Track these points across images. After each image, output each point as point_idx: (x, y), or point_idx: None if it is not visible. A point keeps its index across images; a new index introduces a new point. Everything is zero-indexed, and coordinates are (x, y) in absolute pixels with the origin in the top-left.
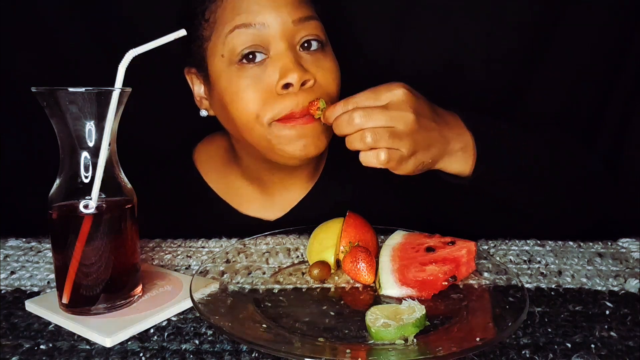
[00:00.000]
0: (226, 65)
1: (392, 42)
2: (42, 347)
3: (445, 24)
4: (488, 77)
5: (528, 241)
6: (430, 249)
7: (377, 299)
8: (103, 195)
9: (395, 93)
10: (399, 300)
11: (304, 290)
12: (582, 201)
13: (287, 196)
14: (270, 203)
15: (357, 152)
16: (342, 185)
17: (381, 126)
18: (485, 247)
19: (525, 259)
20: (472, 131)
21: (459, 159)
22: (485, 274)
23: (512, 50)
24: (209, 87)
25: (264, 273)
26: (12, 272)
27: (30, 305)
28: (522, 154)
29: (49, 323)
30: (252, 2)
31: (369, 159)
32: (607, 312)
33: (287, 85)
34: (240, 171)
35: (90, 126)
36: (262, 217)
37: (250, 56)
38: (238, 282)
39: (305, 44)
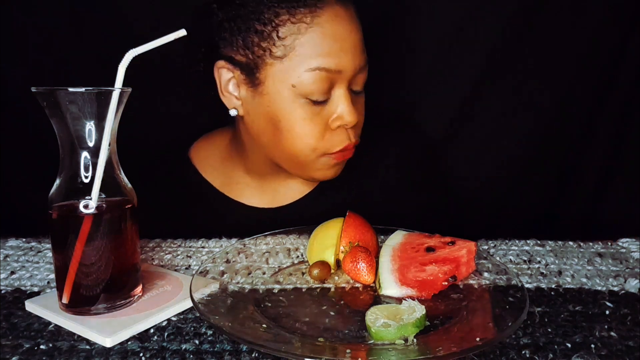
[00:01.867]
0: (293, 96)
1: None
2: (42, 347)
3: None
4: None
5: (528, 241)
6: (430, 249)
7: (377, 299)
8: (103, 195)
9: None
10: (399, 300)
11: (304, 290)
12: None
13: (289, 192)
14: (271, 197)
15: (360, 155)
16: (344, 186)
17: None
18: (485, 247)
19: (525, 259)
20: None
21: None
22: (485, 274)
23: (508, 50)
24: (252, 93)
25: (264, 273)
26: (12, 272)
27: (30, 305)
28: None
29: (49, 323)
30: (337, 47)
31: None
32: (607, 312)
33: (341, 126)
34: (243, 167)
35: (90, 126)
36: (263, 206)
37: (321, 99)
38: (238, 282)
39: (355, 88)
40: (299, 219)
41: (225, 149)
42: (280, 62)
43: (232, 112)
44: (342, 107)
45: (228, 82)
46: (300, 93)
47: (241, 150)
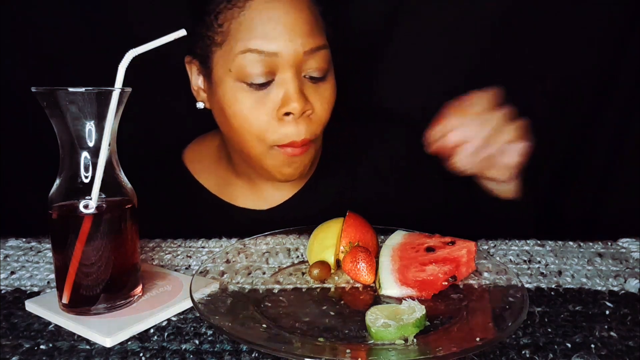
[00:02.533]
0: (232, 80)
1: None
2: (42, 347)
3: (435, 37)
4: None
5: (528, 241)
6: (430, 249)
7: (377, 299)
8: (103, 195)
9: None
10: (399, 300)
11: (304, 290)
12: None
13: (278, 192)
14: (262, 198)
15: (350, 150)
16: (334, 182)
17: None
18: (485, 247)
19: (525, 259)
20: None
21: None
22: (485, 274)
23: (505, 54)
24: (209, 85)
25: (264, 273)
26: (12, 272)
27: (30, 305)
28: None
29: (49, 323)
30: (270, 28)
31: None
32: (607, 312)
33: (287, 114)
34: (232, 168)
35: (90, 126)
36: (255, 208)
37: (257, 81)
38: (238, 282)
39: (311, 74)
40: (293, 219)
41: (216, 151)
42: (220, 48)
43: (199, 105)
44: (285, 92)
45: (192, 74)
46: (238, 77)
47: (227, 151)
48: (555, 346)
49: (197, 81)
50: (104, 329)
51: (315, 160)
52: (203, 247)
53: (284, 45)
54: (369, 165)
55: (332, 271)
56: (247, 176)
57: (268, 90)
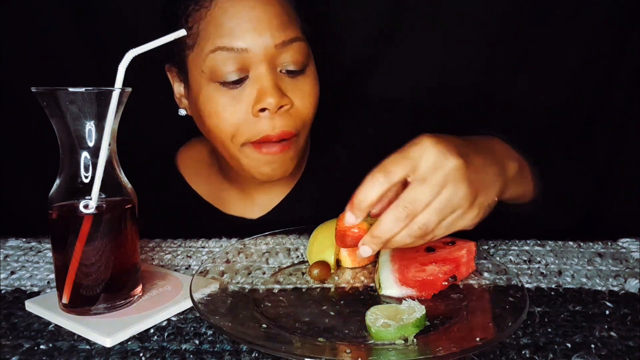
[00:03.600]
0: (206, 81)
1: (376, 59)
2: (42, 347)
3: (434, 34)
4: (482, 81)
5: (528, 241)
6: (430, 249)
7: (377, 299)
8: (103, 195)
9: (424, 145)
10: (399, 300)
11: (304, 290)
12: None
13: (268, 197)
14: (251, 203)
15: (338, 151)
16: (323, 184)
17: (430, 200)
18: (485, 247)
19: (525, 259)
20: (517, 150)
21: (518, 182)
22: (485, 274)
23: (505, 54)
24: (187, 90)
25: (264, 273)
26: (12, 272)
27: (30, 305)
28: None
29: (49, 323)
30: (235, 25)
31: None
32: (607, 312)
33: (263, 109)
34: (222, 174)
35: (90, 126)
36: (245, 217)
37: (230, 79)
38: (238, 282)
39: (287, 67)
40: (281, 217)
41: (207, 155)
42: (192, 51)
43: (181, 112)
44: (260, 88)
45: (174, 83)
46: (211, 78)
47: (218, 159)
48: (555, 346)
49: (178, 88)
50: (104, 329)
51: (303, 160)
52: (203, 247)
53: (252, 40)
54: (362, 164)
55: (332, 271)
56: (236, 181)
57: (242, 88)
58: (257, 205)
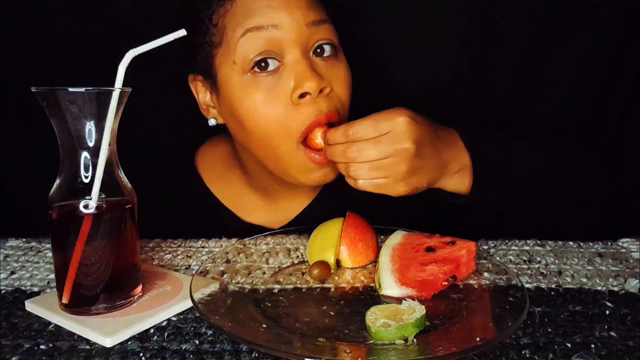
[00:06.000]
0: (239, 74)
1: (393, 52)
2: (42, 347)
3: (443, 35)
4: (486, 84)
5: (528, 241)
6: (430, 249)
7: (377, 299)
8: (103, 195)
9: (397, 122)
10: (399, 300)
11: (304, 290)
12: (582, 204)
13: (292, 204)
14: (274, 210)
15: None
16: (347, 190)
17: (371, 160)
18: (485, 247)
19: (525, 259)
20: (470, 150)
21: (456, 180)
22: (485, 274)
23: (509, 57)
24: (217, 95)
25: (264, 273)
26: (12, 272)
27: (30, 305)
28: (522, 168)
29: (49, 323)
30: (264, 4)
31: (350, 182)
32: (607, 312)
33: (303, 95)
34: (245, 178)
35: (90, 126)
36: (266, 225)
37: (263, 64)
38: (238, 282)
39: (319, 50)
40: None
41: (228, 157)
42: (220, 47)
43: (211, 122)
44: (297, 73)
45: (199, 93)
46: (242, 68)
47: (239, 159)
48: (555, 346)
49: (204, 98)
50: (104, 329)
51: None
52: (203, 247)
53: (283, 17)
54: None
55: (332, 271)
56: (262, 187)
57: (278, 76)
58: (280, 211)
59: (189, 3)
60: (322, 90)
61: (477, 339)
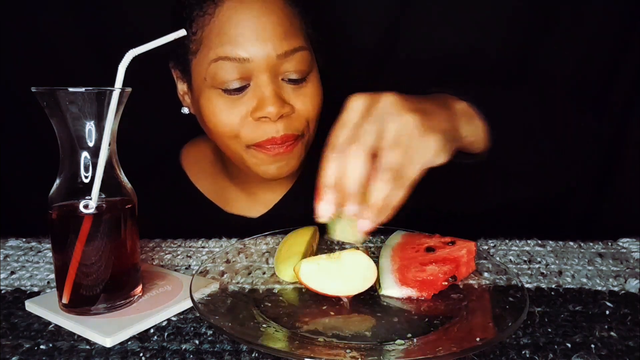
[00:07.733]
0: (207, 87)
1: (391, 24)
2: (42, 347)
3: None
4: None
5: (528, 241)
6: (430, 249)
7: (377, 299)
8: (103, 195)
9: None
10: (399, 300)
11: (304, 290)
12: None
13: (270, 195)
14: (254, 202)
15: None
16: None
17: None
18: (485, 247)
19: (526, 259)
20: (470, 100)
21: (472, 127)
22: (485, 274)
23: (515, 33)
24: (191, 90)
25: (264, 273)
26: (12, 272)
27: (30, 305)
28: (525, 116)
29: (49, 323)
30: (238, 33)
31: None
32: (607, 312)
33: (263, 117)
34: (226, 172)
35: (90, 126)
36: (246, 215)
37: (231, 87)
38: (238, 282)
39: (288, 78)
40: (282, 215)
41: (212, 153)
42: (195, 57)
43: (184, 110)
44: (260, 96)
45: (178, 80)
46: (213, 85)
47: (221, 157)
48: (555, 346)
49: (182, 87)
50: (104, 329)
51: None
52: (203, 247)
53: (254, 50)
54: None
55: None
56: (239, 179)
57: (243, 95)
58: (259, 203)
59: (178, 2)
60: (282, 116)
61: (477, 339)
